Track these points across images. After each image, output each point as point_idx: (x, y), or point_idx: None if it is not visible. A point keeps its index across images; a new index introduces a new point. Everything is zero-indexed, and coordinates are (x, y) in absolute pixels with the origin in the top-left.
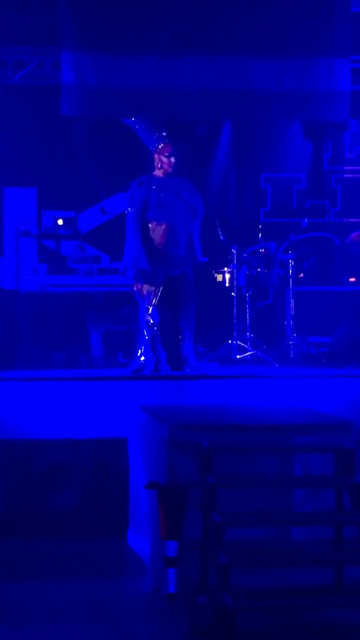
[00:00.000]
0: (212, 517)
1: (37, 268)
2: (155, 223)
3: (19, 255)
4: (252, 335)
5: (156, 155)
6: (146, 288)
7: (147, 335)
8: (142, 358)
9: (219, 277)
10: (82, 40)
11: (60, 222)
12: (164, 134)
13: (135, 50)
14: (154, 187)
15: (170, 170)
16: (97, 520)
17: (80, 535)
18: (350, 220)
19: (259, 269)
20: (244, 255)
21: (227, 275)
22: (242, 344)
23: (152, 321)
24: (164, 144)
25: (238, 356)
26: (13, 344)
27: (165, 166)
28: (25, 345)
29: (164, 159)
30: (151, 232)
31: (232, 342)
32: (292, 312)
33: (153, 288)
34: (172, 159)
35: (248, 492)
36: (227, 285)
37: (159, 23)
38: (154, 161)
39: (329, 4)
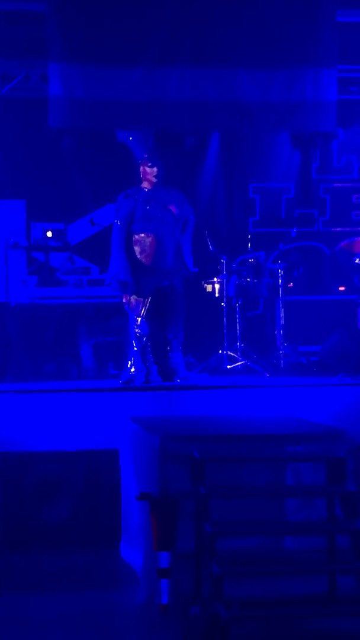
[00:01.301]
0: (205, 527)
1: (26, 280)
2: (142, 235)
3: (8, 268)
4: (242, 345)
5: (141, 167)
6: (134, 299)
7: (136, 347)
8: (133, 369)
9: (209, 288)
10: (69, 52)
11: (49, 233)
12: (150, 144)
13: (122, 61)
14: (140, 199)
15: (154, 180)
16: (89, 531)
17: (72, 547)
18: (339, 229)
19: (248, 279)
20: (234, 265)
21: (217, 286)
22: (233, 354)
23: (140, 332)
24: (147, 155)
25: (229, 366)
26: (3, 356)
27: (149, 176)
28: (15, 358)
29: (147, 169)
30: (138, 244)
31: (222, 352)
32: (282, 322)
33: (141, 299)
34: (155, 169)
35: (240, 502)
36: (216, 295)
37: (146, 34)
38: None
39: (314, 15)
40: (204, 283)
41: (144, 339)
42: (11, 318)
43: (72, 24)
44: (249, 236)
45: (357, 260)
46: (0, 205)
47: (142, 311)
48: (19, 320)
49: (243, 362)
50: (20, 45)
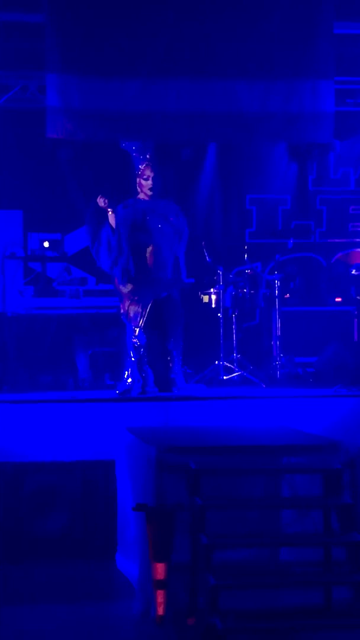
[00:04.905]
0: (201, 539)
1: (23, 290)
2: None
3: (5, 278)
4: (238, 356)
5: (137, 179)
6: (133, 310)
7: (133, 357)
8: (129, 380)
9: (205, 298)
10: (67, 63)
11: (46, 244)
12: (147, 156)
13: (120, 72)
14: (139, 210)
15: (150, 192)
16: (85, 542)
17: (68, 558)
18: (336, 240)
19: (245, 290)
20: (230, 276)
21: (214, 296)
22: (229, 365)
23: (138, 343)
24: (143, 167)
25: (225, 377)
26: (0, 367)
27: (144, 189)
28: (12, 368)
29: (142, 182)
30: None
31: (219, 363)
32: (279, 333)
33: (140, 310)
34: (150, 182)
35: (236, 513)
36: (213, 306)
37: (144, 46)
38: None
39: (312, 27)
40: (201, 294)
41: (142, 350)
42: (7, 328)
43: (70, 35)
44: (246, 247)
45: (353, 272)
46: None
47: (141, 322)
48: (16, 330)
49: (239, 373)
50: (17, 56)
